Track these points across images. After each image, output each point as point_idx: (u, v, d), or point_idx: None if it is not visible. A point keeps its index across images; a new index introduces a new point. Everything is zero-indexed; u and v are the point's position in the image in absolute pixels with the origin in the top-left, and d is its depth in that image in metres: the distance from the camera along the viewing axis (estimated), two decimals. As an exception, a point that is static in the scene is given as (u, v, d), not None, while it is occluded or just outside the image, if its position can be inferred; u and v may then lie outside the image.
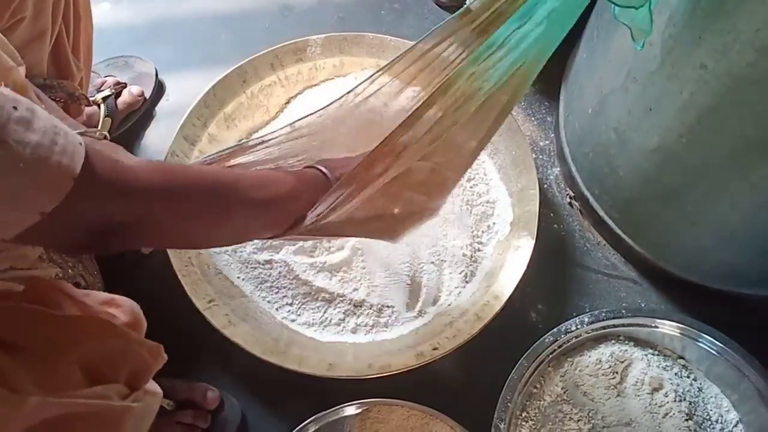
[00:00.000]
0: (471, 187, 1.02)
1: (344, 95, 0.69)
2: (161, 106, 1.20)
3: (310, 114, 0.71)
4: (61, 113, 0.76)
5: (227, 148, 0.72)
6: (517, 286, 0.91)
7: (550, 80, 1.14)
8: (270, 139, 0.71)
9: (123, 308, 0.62)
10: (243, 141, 0.83)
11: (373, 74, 0.67)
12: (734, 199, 0.78)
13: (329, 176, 0.66)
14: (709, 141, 0.74)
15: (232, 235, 0.63)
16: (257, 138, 0.72)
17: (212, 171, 0.64)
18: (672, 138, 0.78)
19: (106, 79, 1.11)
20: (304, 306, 0.96)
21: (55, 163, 0.42)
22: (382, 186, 0.64)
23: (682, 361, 0.93)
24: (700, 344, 0.90)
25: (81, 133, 0.45)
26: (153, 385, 0.61)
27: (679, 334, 0.91)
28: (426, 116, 0.60)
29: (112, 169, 0.47)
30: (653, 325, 0.91)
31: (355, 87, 0.69)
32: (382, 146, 0.60)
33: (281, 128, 0.71)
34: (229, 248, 0.98)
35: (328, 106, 0.70)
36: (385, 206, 0.71)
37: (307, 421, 0.89)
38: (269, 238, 0.67)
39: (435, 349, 0.88)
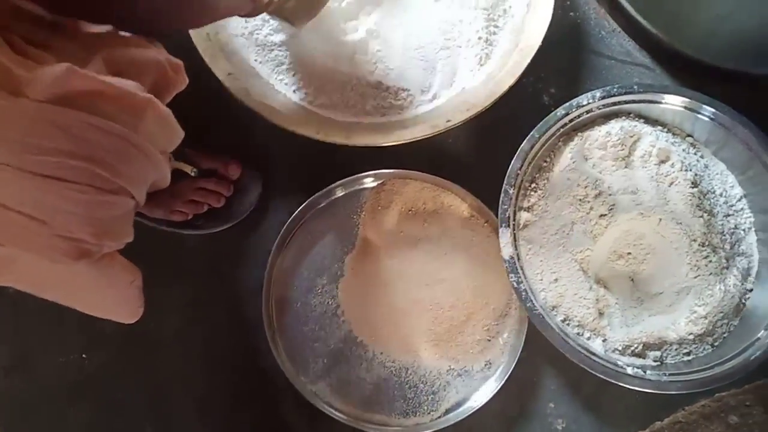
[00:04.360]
0: (488, -30, 1.00)
1: None
2: None
3: None
4: None
5: None
6: (531, 69, 0.91)
7: None
8: None
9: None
10: None
11: None
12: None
13: None
14: None
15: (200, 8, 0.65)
16: None
17: None
18: None
19: None
20: (320, 88, 0.98)
21: None
22: None
23: (690, 140, 0.95)
24: (709, 120, 0.91)
25: None
26: None
27: (688, 111, 0.92)
28: None
29: None
30: (663, 101, 0.92)
31: None
32: None
33: None
34: (246, 31, 0.98)
35: None
36: None
37: (333, 185, 0.94)
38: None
39: (448, 121, 0.90)
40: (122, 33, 0.62)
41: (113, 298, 0.68)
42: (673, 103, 0.92)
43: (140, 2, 0.59)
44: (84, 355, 0.95)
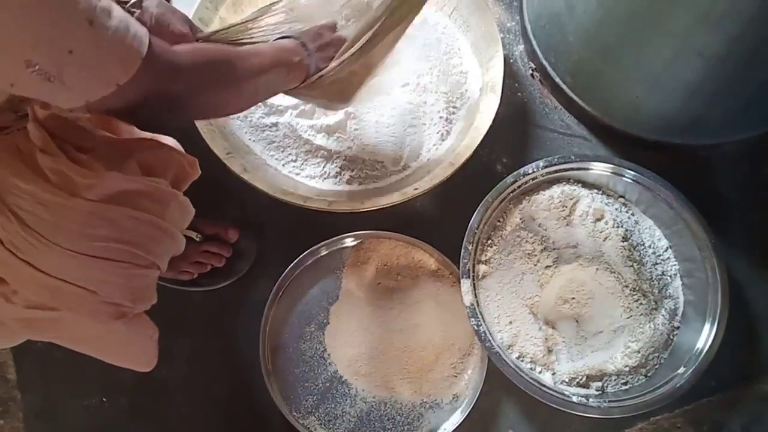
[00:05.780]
0: (447, 60, 1.18)
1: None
2: None
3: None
4: None
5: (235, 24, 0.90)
6: (485, 142, 1.07)
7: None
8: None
9: (166, 138, 0.81)
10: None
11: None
12: (656, 48, 0.95)
13: (305, 43, 0.84)
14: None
15: (249, 94, 0.79)
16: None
17: (227, 48, 0.79)
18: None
19: None
20: (306, 162, 1.14)
21: (129, 45, 0.54)
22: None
23: (622, 200, 1.11)
24: (634, 182, 1.07)
25: None
26: None
27: (618, 176, 1.08)
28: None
29: (166, 52, 0.61)
30: (596, 167, 1.08)
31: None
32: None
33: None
34: (241, 114, 1.15)
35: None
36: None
37: (318, 245, 1.09)
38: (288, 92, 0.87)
39: (415, 189, 1.05)
40: (149, 136, 0.78)
41: (135, 350, 0.82)
42: (604, 169, 1.08)
43: (208, 110, 0.76)
44: (104, 399, 1.08)
